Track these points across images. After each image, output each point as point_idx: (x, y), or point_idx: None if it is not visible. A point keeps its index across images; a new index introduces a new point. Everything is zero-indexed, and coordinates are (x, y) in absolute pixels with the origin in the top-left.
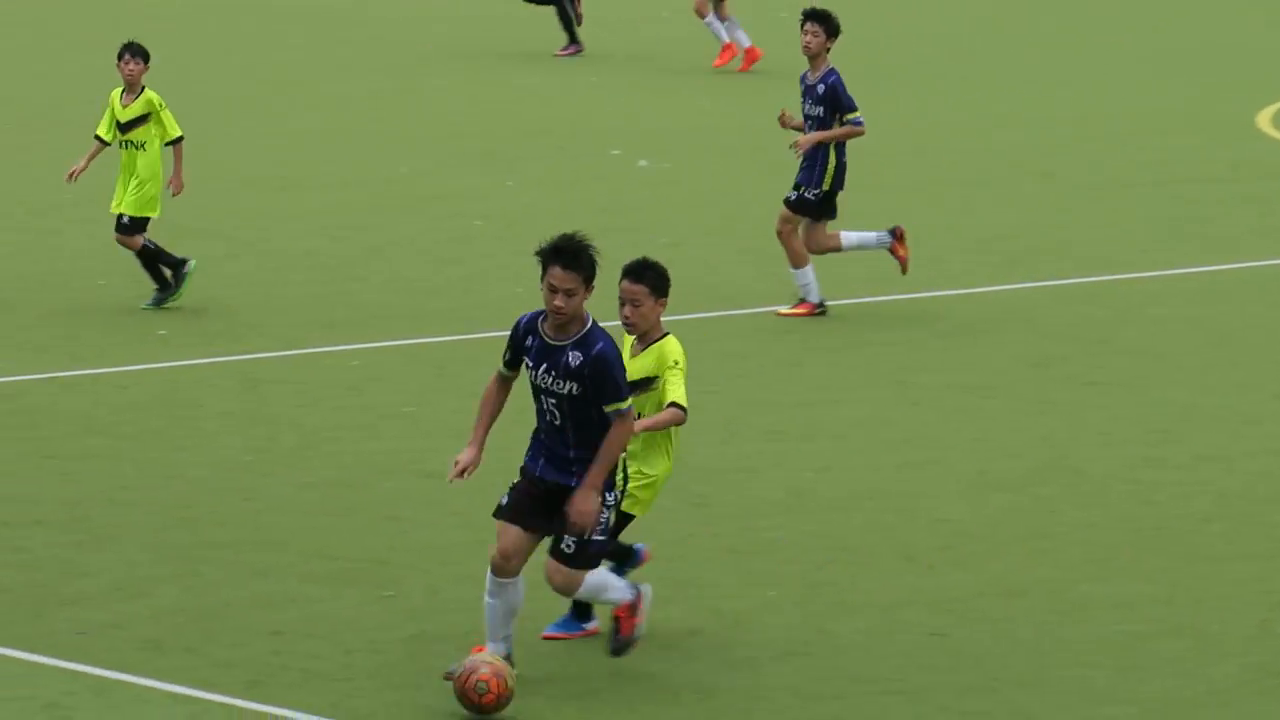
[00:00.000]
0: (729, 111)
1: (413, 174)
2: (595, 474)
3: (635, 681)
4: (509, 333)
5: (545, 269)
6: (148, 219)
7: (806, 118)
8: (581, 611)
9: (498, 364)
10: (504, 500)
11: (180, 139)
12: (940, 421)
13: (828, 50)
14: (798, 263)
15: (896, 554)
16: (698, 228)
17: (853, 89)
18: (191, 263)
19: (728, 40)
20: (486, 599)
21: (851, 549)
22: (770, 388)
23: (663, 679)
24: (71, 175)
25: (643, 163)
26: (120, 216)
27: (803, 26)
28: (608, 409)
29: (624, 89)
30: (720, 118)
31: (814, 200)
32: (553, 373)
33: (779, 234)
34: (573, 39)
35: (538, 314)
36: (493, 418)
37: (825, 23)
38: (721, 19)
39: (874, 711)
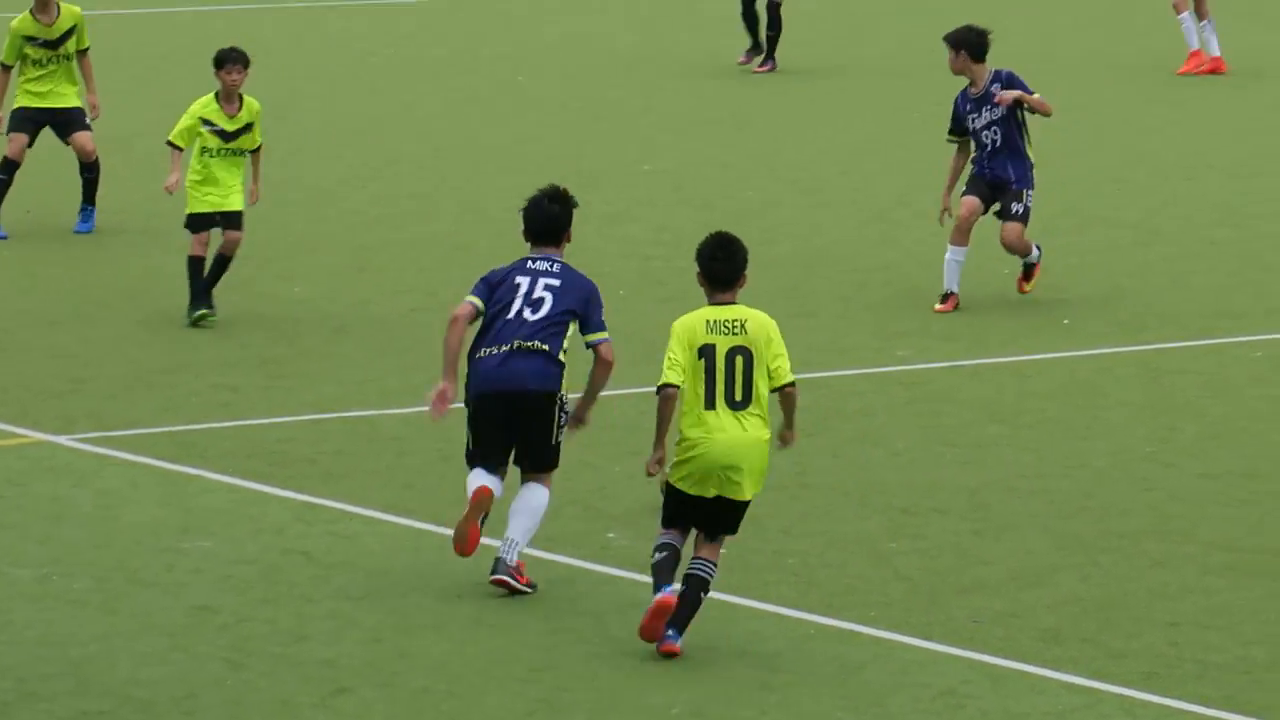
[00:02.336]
0: None
1: None
2: None
3: None
4: None
5: None
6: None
7: (985, 128)
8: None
9: None
10: None
11: (260, 147)
12: None
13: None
14: (1029, 251)
15: None
16: None
17: None
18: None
19: (1196, 46)
20: None
21: None
22: None
23: None
24: (171, 188)
25: None
26: (239, 213)
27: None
28: None
29: None
30: None
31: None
32: None
33: (1018, 249)
34: None
35: None
36: None
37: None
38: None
39: None
